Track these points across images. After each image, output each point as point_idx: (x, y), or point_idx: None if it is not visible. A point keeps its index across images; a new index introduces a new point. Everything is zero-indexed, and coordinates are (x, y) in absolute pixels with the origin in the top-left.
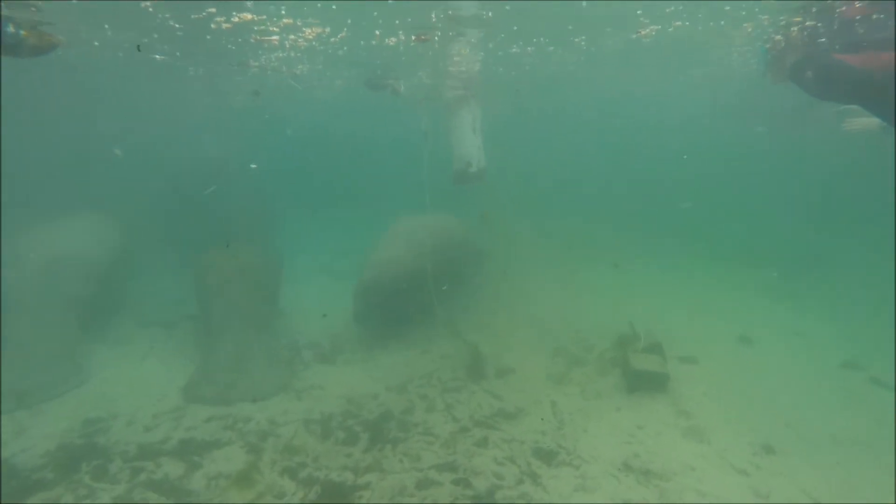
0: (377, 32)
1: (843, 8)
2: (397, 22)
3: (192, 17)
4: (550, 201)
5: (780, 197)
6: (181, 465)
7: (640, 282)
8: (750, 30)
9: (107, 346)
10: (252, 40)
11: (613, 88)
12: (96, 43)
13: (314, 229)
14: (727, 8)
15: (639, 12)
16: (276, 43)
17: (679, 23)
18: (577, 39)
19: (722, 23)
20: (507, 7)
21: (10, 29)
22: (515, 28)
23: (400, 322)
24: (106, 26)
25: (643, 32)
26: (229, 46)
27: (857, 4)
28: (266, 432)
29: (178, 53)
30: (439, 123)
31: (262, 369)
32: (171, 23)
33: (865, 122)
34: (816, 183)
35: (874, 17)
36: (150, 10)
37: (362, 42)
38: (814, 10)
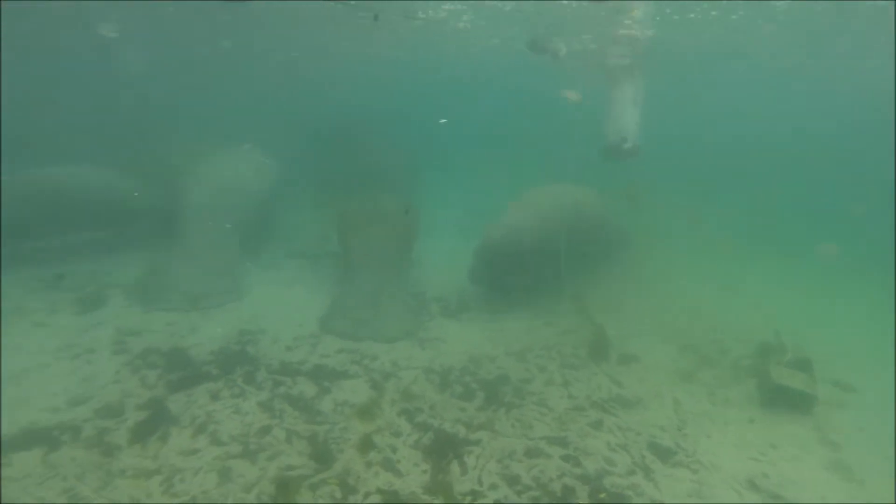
0: None
1: None
2: None
3: None
4: (708, 186)
5: None
6: (314, 386)
7: (799, 286)
8: None
9: (259, 269)
10: None
11: (801, 63)
12: None
13: (454, 186)
14: None
15: None
16: None
17: None
18: (777, 1)
19: None
20: None
21: None
22: None
23: (520, 289)
24: None
25: None
26: None
27: None
28: (389, 373)
29: None
30: (595, 92)
31: (392, 313)
32: None
33: None
34: None
35: None
36: None
37: None
38: None
